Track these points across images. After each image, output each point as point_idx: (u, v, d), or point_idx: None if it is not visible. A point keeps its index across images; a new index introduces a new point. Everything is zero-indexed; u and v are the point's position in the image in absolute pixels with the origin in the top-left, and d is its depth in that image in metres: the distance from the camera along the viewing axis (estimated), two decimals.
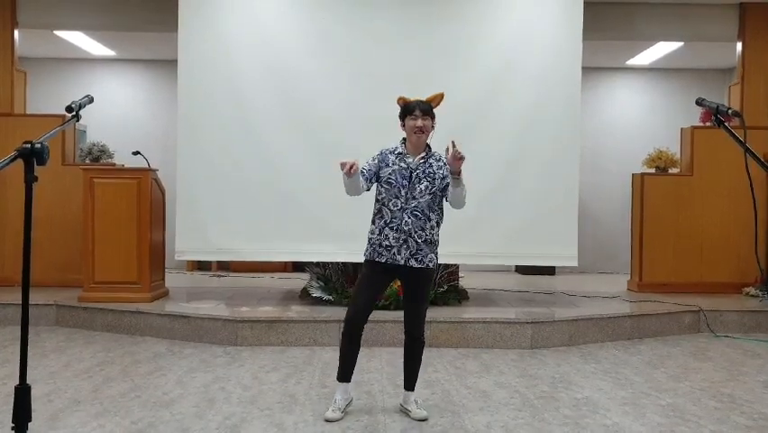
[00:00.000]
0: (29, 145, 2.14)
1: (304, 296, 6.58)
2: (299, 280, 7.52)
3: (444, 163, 3.88)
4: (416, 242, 3.82)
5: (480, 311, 6.10)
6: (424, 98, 3.91)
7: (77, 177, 6.68)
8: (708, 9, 7.66)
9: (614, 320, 6.14)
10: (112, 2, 7.51)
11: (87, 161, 7.22)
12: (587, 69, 7.08)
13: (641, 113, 9.96)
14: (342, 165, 3.61)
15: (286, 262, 8.85)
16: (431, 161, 3.89)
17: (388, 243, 3.83)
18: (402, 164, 3.86)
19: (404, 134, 3.94)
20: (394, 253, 3.83)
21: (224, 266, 9.00)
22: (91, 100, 2.83)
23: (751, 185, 2.57)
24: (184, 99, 6.40)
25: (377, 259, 3.86)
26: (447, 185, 3.85)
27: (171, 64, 6.84)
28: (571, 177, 6.49)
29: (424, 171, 3.85)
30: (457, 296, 6.51)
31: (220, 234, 6.31)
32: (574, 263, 6.57)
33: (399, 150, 3.91)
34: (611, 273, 9.19)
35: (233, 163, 6.37)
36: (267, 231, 6.36)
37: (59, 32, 8.20)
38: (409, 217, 3.81)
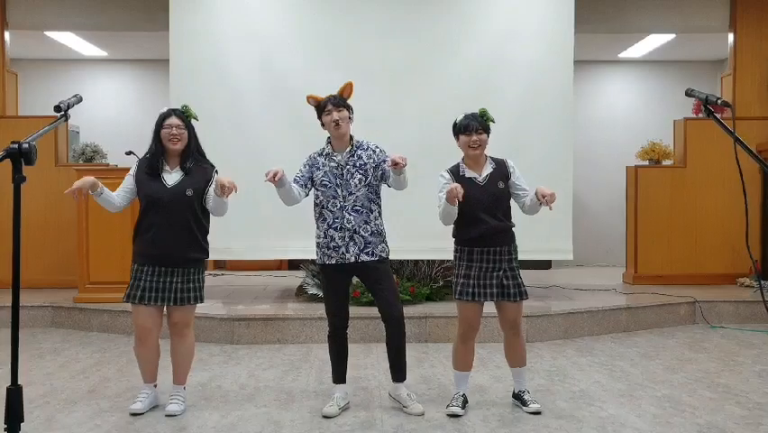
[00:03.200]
0: (16, 146, 2.14)
1: (300, 294, 6.58)
2: (295, 278, 7.51)
3: (374, 151, 3.91)
4: (363, 237, 3.85)
5: None
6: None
7: (71, 178, 6.59)
8: (699, 0, 7.67)
9: (609, 313, 6.15)
10: (102, 2, 7.48)
11: (81, 162, 7.21)
12: (579, 63, 7.09)
13: (634, 105, 9.96)
14: (266, 174, 3.65)
15: (281, 261, 8.84)
16: (359, 152, 3.91)
17: (335, 243, 3.85)
18: (332, 163, 3.89)
19: (326, 134, 3.96)
20: (342, 253, 3.85)
21: (220, 265, 8.99)
22: (79, 100, 2.83)
23: (741, 175, 2.57)
24: (176, 99, 6.36)
25: (327, 262, 3.89)
26: (383, 173, 3.88)
27: (164, 63, 6.82)
28: (566, 170, 6.49)
29: (354, 165, 3.87)
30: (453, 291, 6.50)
31: (214, 232, 6.26)
32: (570, 257, 6.58)
33: (326, 150, 3.94)
34: (606, 266, 9.21)
35: (227, 162, 6.26)
36: (262, 229, 6.35)
37: (49, 33, 8.17)
38: (350, 214, 3.84)
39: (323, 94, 3.99)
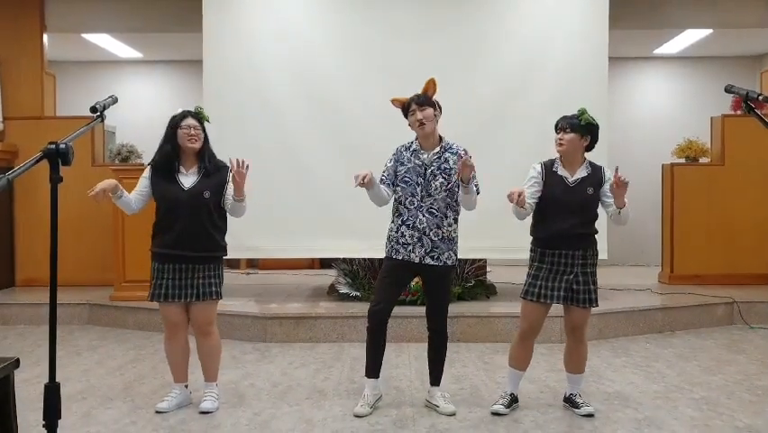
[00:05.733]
0: (54, 146, 2.16)
1: (331, 292, 6.60)
2: (327, 277, 7.54)
3: (461, 157, 3.85)
4: (432, 240, 3.81)
5: (508, 306, 6.05)
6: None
7: (107, 177, 6.71)
8: None
9: (645, 313, 6.07)
10: (137, 4, 7.59)
11: (117, 162, 7.31)
12: (614, 60, 6.98)
13: (670, 102, 9.80)
14: (356, 178, 3.63)
15: (313, 259, 8.89)
16: (446, 155, 3.86)
17: (404, 240, 3.83)
18: (417, 161, 3.85)
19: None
20: (410, 251, 3.82)
21: (253, 264, 9.06)
22: (115, 100, 2.86)
23: None
24: (210, 99, 6.43)
25: (394, 256, 3.87)
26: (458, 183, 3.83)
27: (197, 64, 6.88)
28: None
29: (439, 167, 3.83)
30: (485, 291, 6.48)
31: (248, 232, 6.33)
32: (604, 256, 6.42)
33: (414, 147, 3.90)
34: (642, 266, 9.07)
35: (260, 162, 6.31)
36: (294, 229, 6.38)
37: (86, 35, 8.31)
38: (424, 216, 3.81)
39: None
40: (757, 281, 7.26)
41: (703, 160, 7.58)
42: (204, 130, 3.93)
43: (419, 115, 3.79)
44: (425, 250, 3.82)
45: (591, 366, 4.89)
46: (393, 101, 3.93)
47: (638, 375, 4.68)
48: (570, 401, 3.94)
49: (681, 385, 4.43)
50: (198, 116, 3.92)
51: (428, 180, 3.81)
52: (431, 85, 3.89)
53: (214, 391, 4.02)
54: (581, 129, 3.79)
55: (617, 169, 3.67)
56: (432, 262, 3.83)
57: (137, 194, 3.95)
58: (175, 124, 3.87)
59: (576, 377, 3.96)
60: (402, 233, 3.84)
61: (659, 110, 9.77)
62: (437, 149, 3.86)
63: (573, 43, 6.38)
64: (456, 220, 3.91)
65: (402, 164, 3.88)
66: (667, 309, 6.20)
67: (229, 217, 4.02)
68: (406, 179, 3.85)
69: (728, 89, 2.78)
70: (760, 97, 2.52)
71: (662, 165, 7.69)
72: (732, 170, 7.40)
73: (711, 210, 7.40)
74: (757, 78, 8.45)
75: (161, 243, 3.88)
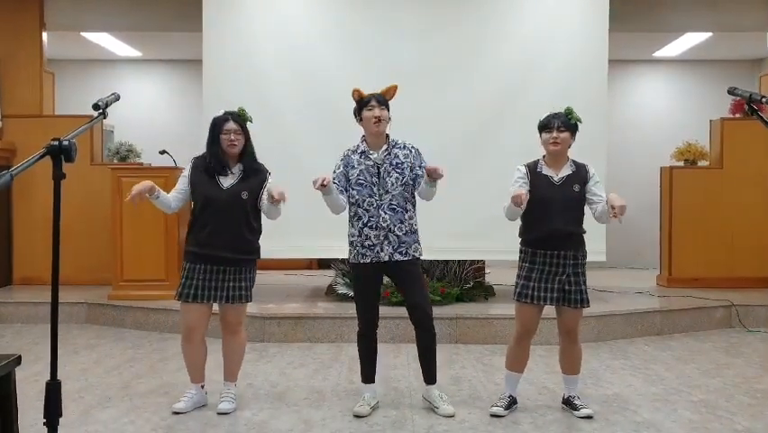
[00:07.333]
0: (57, 142, 2.15)
1: (330, 293, 6.59)
2: (325, 278, 7.53)
3: (411, 151, 3.90)
4: (397, 236, 3.83)
5: (506, 307, 6.03)
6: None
7: (106, 176, 6.75)
8: None
9: (643, 315, 6.07)
10: (137, 2, 7.57)
11: (115, 161, 7.30)
12: (613, 62, 6.98)
13: (669, 105, 9.81)
14: (314, 183, 3.66)
15: (311, 260, 8.88)
16: (395, 151, 3.88)
17: (369, 242, 3.84)
18: (368, 162, 3.86)
19: (362, 132, 3.94)
20: (377, 252, 3.83)
21: None
22: (117, 98, 2.84)
23: None
24: (209, 98, 6.41)
25: (361, 261, 3.87)
26: (415, 178, 3.86)
27: (197, 63, 6.87)
28: (599, 171, 6.35)
29: (391, 163, 3.85)
30: (483, 292, 6.47)
31: None
32: (602, 258, 6.47)
33: (362, 148, 3.91)
34: (640, 268, 9.08)
35: (259, 161, 6.38)
36: (294, 229, 6.36)
37: (85, 34, 8.29)
38: (386, 213, 3.82)
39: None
40: (755, 285, 7.27)
41: (702, 163, 7.59)
42: (245, 131, 3.92)
43: (377, 112, 3.81)
44: (393, 247, 3.83)
45: (590, 368, 4.89)
46: (354, 91, 3.90)
47: (637, 378, 4.68)
48: (568, 403, 3.94)
49: (680, 388, 4.43)
50: (240, 118, 3.92)
51: (383, 178, 3.83)
52: (392, 90, 3.91)
53: (232, 392, 4.02)
54: (572, 128, 3.83)
55: (613, 214, 3.66)
56: (400, 258, 3.84)
57: (176, 192, 3.95)
58: (218, 126, 3.88)
59: (572, 378, 3.96)
60: (366, 235, 3.84)
61: (658, 113, 9.78)
62: (385, 146, 3.88)
63: (573, 44, 6.38)
64: (415, 213, 3.94)
65: (352, 167, 3.89)
66: (665, 312, 6.20)
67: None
68: (360, 180, 3.86)
69: (731, 91, 2.78)
70: (763, 100, 2.52)
71: (661, 168, 7.69)
72: (731, 174, 7.40)
73: (710, 213, 7.40)
74: (756, 81, 8.45)
75: (194, 241, 3.87)
